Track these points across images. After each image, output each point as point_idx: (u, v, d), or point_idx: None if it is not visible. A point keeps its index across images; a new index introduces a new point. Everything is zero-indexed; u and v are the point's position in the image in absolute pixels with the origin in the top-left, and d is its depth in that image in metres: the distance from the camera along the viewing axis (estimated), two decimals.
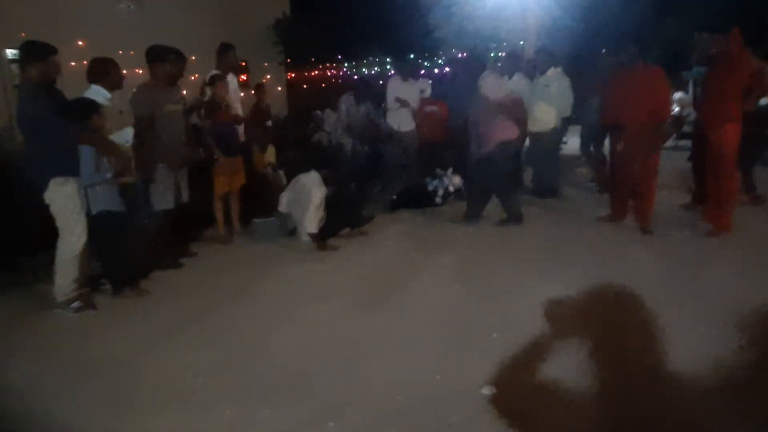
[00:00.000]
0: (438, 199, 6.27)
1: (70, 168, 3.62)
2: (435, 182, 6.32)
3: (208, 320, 3.55)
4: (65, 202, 3.60)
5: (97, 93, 4.06)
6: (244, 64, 12.36)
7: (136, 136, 4.22)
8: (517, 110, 5.37)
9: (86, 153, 3.74)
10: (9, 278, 4.27)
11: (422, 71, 11.38)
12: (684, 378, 2.63)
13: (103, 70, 4.13)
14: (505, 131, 5.27)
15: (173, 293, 4.07)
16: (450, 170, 6.32)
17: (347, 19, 15.26)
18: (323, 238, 4.93)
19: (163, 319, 3.60)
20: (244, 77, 8.51)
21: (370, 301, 3.73)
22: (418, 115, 6.78)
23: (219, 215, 5.25)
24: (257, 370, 2.90)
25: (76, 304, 3.69)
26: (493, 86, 5.32)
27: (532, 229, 5.29)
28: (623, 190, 5.07)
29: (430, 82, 7.42)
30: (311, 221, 4.86)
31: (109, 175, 3.83)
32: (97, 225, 3.76)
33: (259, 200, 5.85)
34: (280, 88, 13.86)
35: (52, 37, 3.90)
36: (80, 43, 8.46)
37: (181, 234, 4.87)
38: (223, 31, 10.18)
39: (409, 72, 6.95)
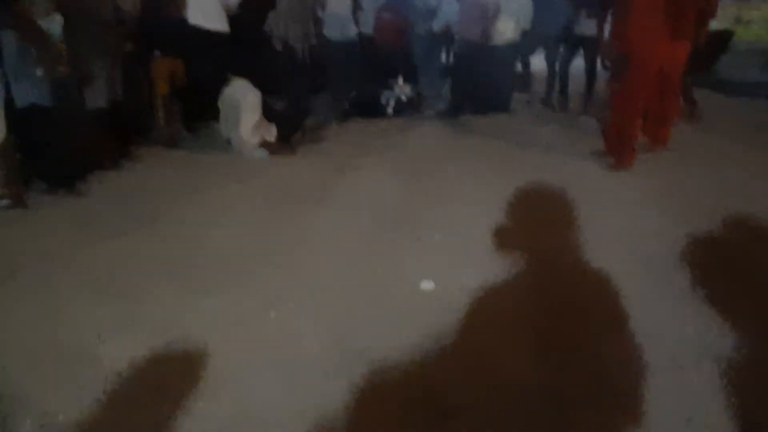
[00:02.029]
0: (389, 110, 6.18)
1: None
2: (386, 93, 6.21)
3: (148, 217, 3.45)
4: None
5: None
6: None
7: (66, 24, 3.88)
8: None
9: (8, 40, 3.43)
10: None
11: None
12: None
13: None
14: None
15: (110, 194, 3.92)
16: (401, 79, 6.20)
17: None
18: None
19: (100, 217, 3.50)
20: None
21: (314, 201, 3.72)
22: (375, 21, 6.50)
23: (159, 115, 5.02)
24: (198, 263, 2.88)
25: (4, 201, 3.51)
26: None
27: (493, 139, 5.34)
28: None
29: None
30: (247, 130, 4.67)
31: (39, 72, 3.55)
32: (24, 119, 3.52)
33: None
34: None
35: None
36: None
37: (121, 134, 4.64)
38: None
39: None
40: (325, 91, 6.62)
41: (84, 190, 3.92)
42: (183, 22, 4.91)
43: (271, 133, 4.87)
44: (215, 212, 3.56)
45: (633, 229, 3.24)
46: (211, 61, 5.13)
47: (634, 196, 3.79)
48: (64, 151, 3.79)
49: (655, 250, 2.97)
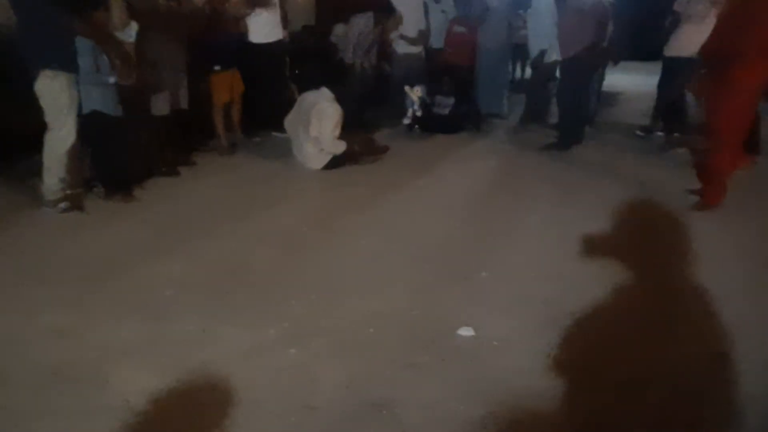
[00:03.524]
0: (406, 120, 6.06)
1: (63, 61, 3.40)
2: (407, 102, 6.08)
3: (192, 232, 3.44)
4: (54, 97, 3.41)
5: None
6: None
7: (140, 34, 3.98)
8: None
9: (85, 48, 3.54)
10: (4, 174, 4.21)
11: None
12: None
13: None
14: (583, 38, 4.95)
15: (164, 203, 3.97)
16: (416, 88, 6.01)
17: None
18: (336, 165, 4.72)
19: (148, 227, 3.54)
20: None
21: (359, 227, 3.59)
22: (446, 37, 6.42)
23: (219, 125, 5.10)
24: (229, 287, 2.80)
25: (63, 205, 3.61)
26: None
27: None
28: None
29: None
30: (329, 141, 4.61)
31: (112, 80, 3.65)
32: (88, 125, 3.61)
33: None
34: None
35: None
36: None
37: (180, 142, 4.72)
38: None
39: None
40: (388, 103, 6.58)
41: (140, 197, 3.99)
42: (241, 37, 5.01)
43: (341, 147, 4.78)
44: (261, 233, 3.49)
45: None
46: (268, 71, 5.21)
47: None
48: (123, 158, 3.87)
49: None
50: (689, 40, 4.78)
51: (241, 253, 3.22)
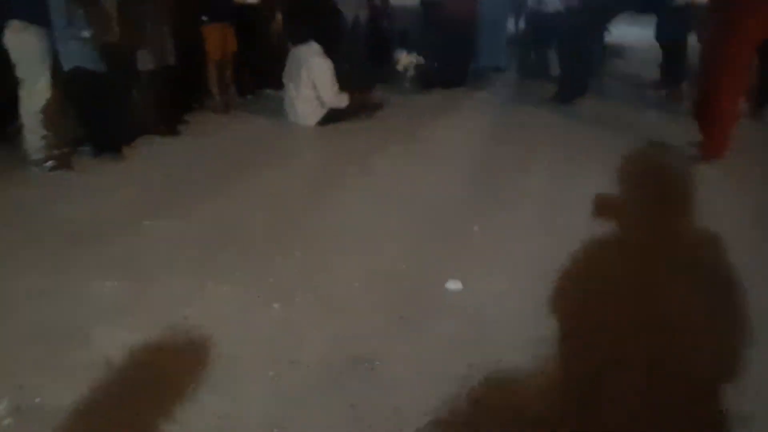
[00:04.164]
0: (406, 84, 5.90)
1: (31, 13, 3.29)
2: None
3: (183, 192, 3.39)
4: (23, 51, 3.31)
5: None
6: None
7: None
8: None
9: (56, 1, 3.40)
10: None
11: None
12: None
13: None
14: None
15: (154, 162, 3.92)
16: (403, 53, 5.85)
17: None
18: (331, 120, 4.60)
19: (137, 186, 3.48)
20: None
21: (352, 185, 3.53)
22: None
23: (212, 82, 4.96)
24: (217, 246, 2.75)
25: (50, 163, 3.55)
26: None
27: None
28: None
29: None
30: (331, 96, 4.48)
31: (86, 33, 3.52)
32: (71, 82, 3.52)
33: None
34: None
35: None
36: None
37: (173, 101, 4.61)
38: None
39: None
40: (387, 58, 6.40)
41: (129, 156, 3.92)
42: None
43: (344, 101, 4.66)
44: (253, 192, 3.42)
45: None
46: (258, 28, 5.03)
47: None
48: (110, 116, 3.79)
49: None
50: None
51: (231, 212, 3.16)
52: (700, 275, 2.54)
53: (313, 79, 4.39)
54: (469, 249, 2.76)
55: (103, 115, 3.74)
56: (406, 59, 5.79)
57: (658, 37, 5.66)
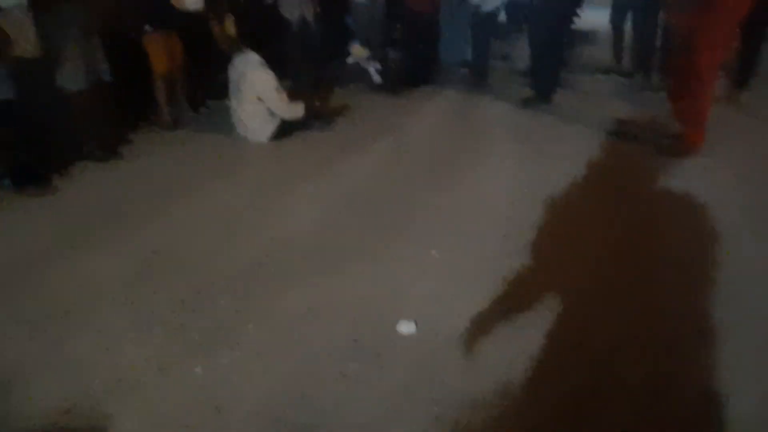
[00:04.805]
0: (376, 78, 5.57)
1: None
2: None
3: (115, 223, 3.06)
4: None
5: None
6: None
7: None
8: None
9: None
10: None
11: None
12: None
13: None
14: None
15: (87, 190, 3.55)
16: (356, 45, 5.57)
17: None
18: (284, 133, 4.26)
19: (64, 221, 3.14)
20: None
21: (303, 203, 3.23)
22: None
23: (160, 97, 4.55)
24: (145, 289, 2.43)
25: None
26: None
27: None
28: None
29: None
30: (282, 108, 4.13)
31: None
32: None
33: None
34: None
35: None
36: None
37: (110, 119, 4.22)
38: None
39: None
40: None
41: (59, 187, 3.56)
42: None
43: (299, 111, 4.31)
44: (194, 217, 3.12)
45: None
46: (203, 37, 4.66)
47: None
48: (29, 145, 3.41)
49: None
50: None
51: (167, 243, 2.84)
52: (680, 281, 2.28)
53: (257, 93, 4.04)
54: (428, 273, 2.46)
55: (21, 145, 3.36)
56: (358, 51, 5.43)
57: (617, 19, 5.45)
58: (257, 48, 4.19)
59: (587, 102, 4.94)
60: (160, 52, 4.41)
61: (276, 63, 5.47)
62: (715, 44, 3.35)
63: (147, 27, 4.28)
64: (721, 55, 3.47)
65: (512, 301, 2.23)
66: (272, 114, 4.16)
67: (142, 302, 2.33)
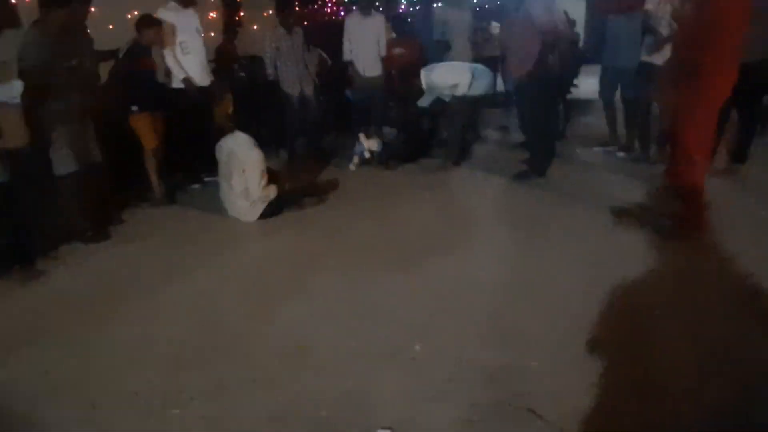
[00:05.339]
0: (351, 166, 5.52)
1: None
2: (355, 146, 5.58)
3: (92, 313, 2.97)
4: None
5: None
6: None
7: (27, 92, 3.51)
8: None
9: None
10: None
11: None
12: None
13: None
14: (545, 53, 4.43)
15: (73, 274, 3.50)
16: (362, 137, 5.53)
17: None
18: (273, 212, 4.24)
19: (45, 307, 3.07)
20: (213, 14, 7.59)
21: (283, 293, 3.10)
22: (386, 59, 5.94)
23: (151, 174, 4.61)
24: (109, 396, 2.30)
25: None
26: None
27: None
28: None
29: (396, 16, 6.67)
30: (258, 191, 4.13)
31: None
32: None
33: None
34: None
35: None
36: None
37: (100, 200, 4.23)
38: None
39: (371, 5, 5.96)
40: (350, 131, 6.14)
41: (47, 270, 3.52)
42: (153, 75, 4.58)
43: (272, 193, 4.27)
44: (172, 309, 3.02)
45: None
46: (199, 116, 4.75)
47: None
48: (16, 228, 3.41)
49: None
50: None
51: (142, 337, 2.73)
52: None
53: (244, 171, 4.05)
54: (409, 376, 2.32)
55: (8, 228, 3.36)
56: (369, 143, 5.47)
57: (606, 94, 5.44)
58: (255, 123, 4.26)
59: (584, 176, 4.89)
60: (148, 129, 4.52)
61: (273, 137, 5.61)
62: (701, 123, 3.32)
63: (133, 108, 4.40)
64: (710, 133, 3.42)
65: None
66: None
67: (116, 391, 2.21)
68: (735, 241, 3.35)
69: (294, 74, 5.48)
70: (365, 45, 5.79)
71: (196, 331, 2.76)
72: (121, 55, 4.42)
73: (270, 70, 5.49)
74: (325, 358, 2.47)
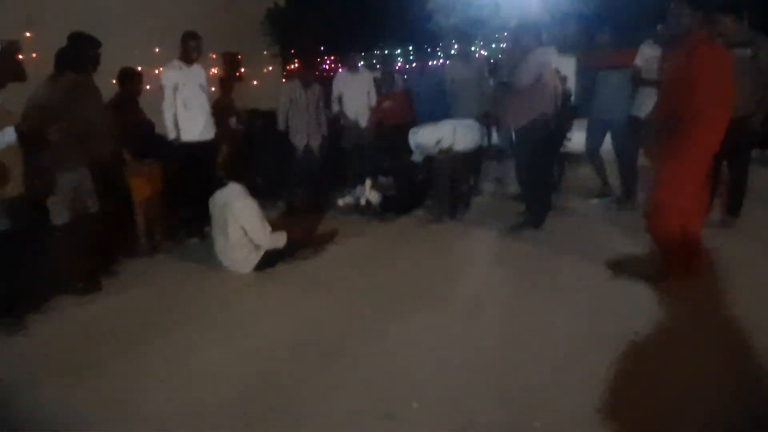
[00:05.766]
0: (340, 201, 5.71)
1: None
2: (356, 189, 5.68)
3: (74, 372, 2.86)
4: None
5: None
6: (239, 56, 11.79)
7: (24, 138, 3.53)
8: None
9: None
10: None
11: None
12: None
13: None
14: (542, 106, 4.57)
15: (59, 330, 3.40)
16: (368, 183, 5.61)
17: (346, 6, 14.33)
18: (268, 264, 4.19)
19: (24, 365, 2.97)
20: (215, 70, 7.78)
21: (271, 350, 3.01)
22: (374, 114, 6.20)
23: (139, 225, 4.62)
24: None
25: None
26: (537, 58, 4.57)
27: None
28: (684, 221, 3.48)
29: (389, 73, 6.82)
30: (265, 239, 4.10)
31: None
32: None
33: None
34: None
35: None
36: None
37: (94, 251, 4.17)
38: (213, 22, 9.62)
39: (356, 63, 6.32)
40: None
41: (32, 324, 3.43)
42: (151, 126, 4.65)
43: (281, 240, 4.25)
44: (156, 368, 2.90)
45: None
46: (200, 171, 4.77)
47: None
48: (3, 280, 3.34)
49: None
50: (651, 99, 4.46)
51: (130, 392, 2.64)
52: None
53: (241, 223, 4.03)
54: None
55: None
56: (370, 192, 5.53)
57: (592, 146, 5.55)
58: (252, 174, 4.29)
59: (580, 227, 4.89)
60: (141, 180, 4.56)
61: (270, 188, 5.64)
62: (679, 175, 3.36)
63: (129, 157, 4.44)
64: (691, 187, 3.42)
65: None
66: (257, 245, 4.12)
67: None
68: (731, 287, 3.37)
69: (303, 126, 5.63)
70: (356, 99, 6.05)
71: (183, 388, 2.66)
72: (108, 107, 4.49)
73: (281, 121, 5.63)
74: (317, 418, 2.37)
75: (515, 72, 4.65)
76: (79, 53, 3.99)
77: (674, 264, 3.52)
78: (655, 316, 3.11)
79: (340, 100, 6.14)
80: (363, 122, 6.12)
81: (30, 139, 3.53)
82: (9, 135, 3.42)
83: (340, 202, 5.58)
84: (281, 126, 5.69)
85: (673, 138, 3.30)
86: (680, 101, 3.28)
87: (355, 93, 6.05)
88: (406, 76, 7.48)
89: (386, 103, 6.26)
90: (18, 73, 3.62)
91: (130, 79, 4.61)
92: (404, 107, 6.17)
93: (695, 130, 3.24)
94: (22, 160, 3.47)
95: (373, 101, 6.17)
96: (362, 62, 7.05)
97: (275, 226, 4.29)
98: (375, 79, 6.59)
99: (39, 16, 7.87)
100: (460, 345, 2.93)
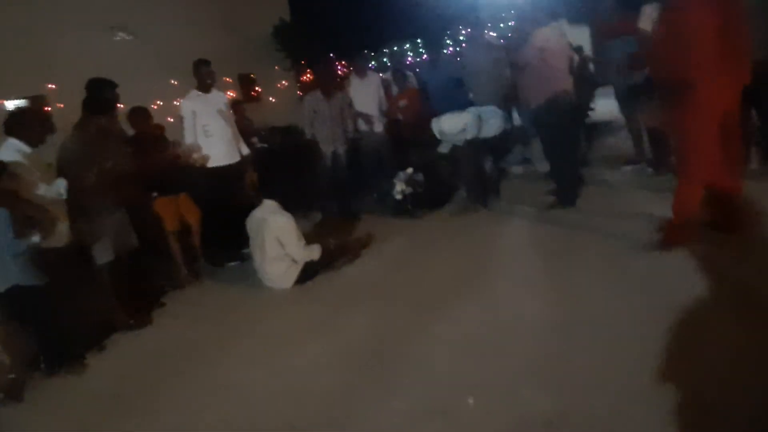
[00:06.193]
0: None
1: None
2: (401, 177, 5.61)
3: (138, 406, 2.97)
4: None
5: (11, 148, 3.56)
6: (253, 76, 11.98)
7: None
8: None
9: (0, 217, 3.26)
10: None
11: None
12: None
13: (19, 122, 3.64)
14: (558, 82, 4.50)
15: (118, 367, 3.52)
16: (401, 175, 5.56)
17: (352, 15, 14.42)
18: (308, 276, 4.25)
19: (92, 403, 3.10)
20: (231, 93, 7.92)
21: (317, 364, 3.03)
22: (389, 114, 6.23)
23: (175, 255, 4.74)
24: None
25: None
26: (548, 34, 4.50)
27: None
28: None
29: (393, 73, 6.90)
30: (300, 252, 4.16)
31: (35, 239, 3.35)
32: (10, 303, 3.27)
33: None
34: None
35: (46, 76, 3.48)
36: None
37: (140, 287, 4.31)
38: (222, 47, 9.81)
39: (364, 68, 6.36)
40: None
41: (93, 363, 3.56)
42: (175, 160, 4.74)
43: (315, 253, 4.29)
44: (213, 393, 2.97)
45: None
46: (228, 194, 4.86)
47: None
48: (59, 327, 3.47)
49: None
50: None
51: (188, 420, 2.72)
52: None
53: (277, 236, 4.09)
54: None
55: (51, 328, 3.43)
56: (400, 185, 5.53)
57: (625, 109, 5.43)
58: (282, 190, 4.35)
59: (614, 199, 4.78)
60: (170, 213, 4.69)
61: (301, 201, 5.72)
62: (694, 140, 3.23)
63: (154, 194, 4.60)
64: (708, 156, 3.26)
65: None
66: (294, 259, 4.17)
67: None
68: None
69: (329, 134, 5.69)
70: (366, 104, 6.05)
71: (239, 406, 2.72)
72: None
73: (307, 131, 5.76)
74: (373, 421, 2.38)
75: (521, 52, 4.58)
76: (99, 97, 4.12)
77: (675, 234, 3.42)
78: (701, 285, 3.00)
79: (350, 106, 6.15)
80: (377, 126, 6.12)
81: (71, 187, 3.68)
82: (57, 186, 3.58)
83: (398, 186, 5.53)
84: (309, 136, 5.76)
85: (673, 102, 3.16)
86: (679, 61, 3.11)
87: (366, 99, 6.07)
88: (418, 70, 7.47)
89: (401, 102, 6.26)
90: (51, 126, 3.80)
91: (137, 117, 4.73)
92: (416, 105, 6.14)
93: (702, 88, 3.08)
94: (66, 213, 3.62)
95: (384, 105, 6.17)
96: (373, 63, 7.10)
97: (311, 238, 4.33)
98: (386, 79, 6.59)
99: (53, 66, 8.20)
100: (509, 335, 2.90)
